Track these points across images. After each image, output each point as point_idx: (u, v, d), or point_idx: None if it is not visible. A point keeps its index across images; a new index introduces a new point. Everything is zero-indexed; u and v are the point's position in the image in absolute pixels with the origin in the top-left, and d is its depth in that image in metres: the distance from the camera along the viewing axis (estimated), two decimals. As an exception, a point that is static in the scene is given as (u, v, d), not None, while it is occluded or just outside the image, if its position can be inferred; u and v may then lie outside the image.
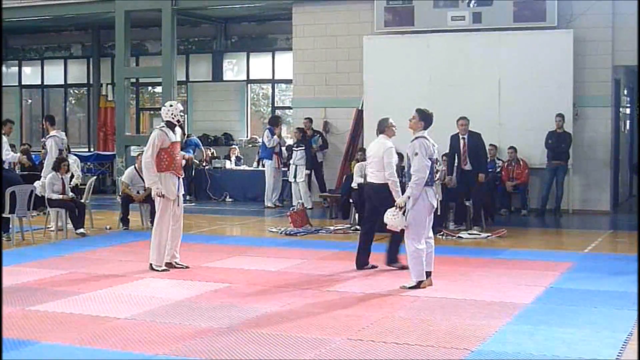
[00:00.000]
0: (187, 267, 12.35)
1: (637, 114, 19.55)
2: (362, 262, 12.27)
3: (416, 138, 10.81)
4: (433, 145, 10.85)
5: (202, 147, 24.50)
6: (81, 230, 16.05)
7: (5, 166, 16.35)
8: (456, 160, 16.86)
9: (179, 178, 12.37)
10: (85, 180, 19.33)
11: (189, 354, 7.76)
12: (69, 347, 8.05)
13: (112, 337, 8.37)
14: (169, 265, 12.31)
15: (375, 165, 11.93)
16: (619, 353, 7.71)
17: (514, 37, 19.86)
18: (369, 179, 12.25)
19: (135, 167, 17.51)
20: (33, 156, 23.00)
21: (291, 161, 20.88)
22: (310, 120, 21.26)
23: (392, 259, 12.18)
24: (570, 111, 19.27)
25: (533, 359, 7.54)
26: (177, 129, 12.48)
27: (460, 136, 16.80)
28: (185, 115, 27.46)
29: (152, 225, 16.77)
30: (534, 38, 19.72)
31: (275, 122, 21.75)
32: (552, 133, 19.02)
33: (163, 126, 12.31)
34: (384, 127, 12.13)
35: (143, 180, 17.16)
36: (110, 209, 20.57)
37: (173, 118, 12.37)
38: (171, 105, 12.49)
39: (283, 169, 21.64)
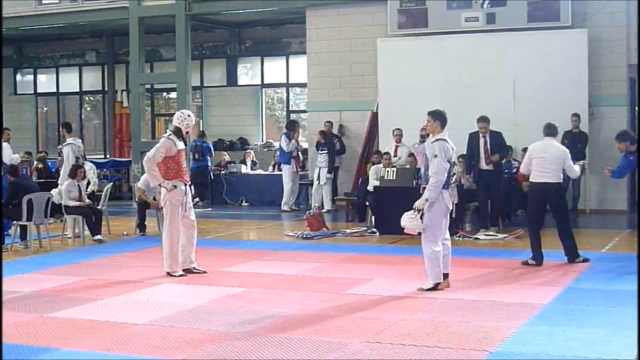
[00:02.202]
0: (204, 272, 12.36)
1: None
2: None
3: (436, 140, 10.78)
4: (452, 148, 10.84)
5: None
6: (98, 236, 16.09)
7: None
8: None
9: (186, 185, 12.39)
10: (101, 186, 19.39)
11: (207, 358, 7.76)
12: (88, 353, 8.07)
13: (131, 342, 8.39)
14: (187, 271, 12.32)
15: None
16: (639, 353, 7.67)
17: (528, 37, 19.82)
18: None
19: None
20: (49, 164, 23.07)
21: (316, 164, 20.93)
22: (330, 123, 21.28)
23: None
24: (585, 111, 19.22)
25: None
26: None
27: (481, 135, 16.72)
28: (201, 120, 27.53)
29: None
30: (548, 38, 19.67)
31: (292, 127, 21.78)
32: (567, 133, 18.95)
33: (170, 134, 12.32)
34: None
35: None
36: (126, 215, 20.61)
37: (185, 127, 12.42)
38: (189, 115, 12.50)
39: (301, 172, 21.69)
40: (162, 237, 12.44)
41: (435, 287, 10.76)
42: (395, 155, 18.74)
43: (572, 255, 12.87)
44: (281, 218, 20.36)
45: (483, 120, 16.66)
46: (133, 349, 8.16)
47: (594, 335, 8.35)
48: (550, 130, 13.16)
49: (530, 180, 13.12)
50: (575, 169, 13.17)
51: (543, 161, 12.81)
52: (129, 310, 10.00)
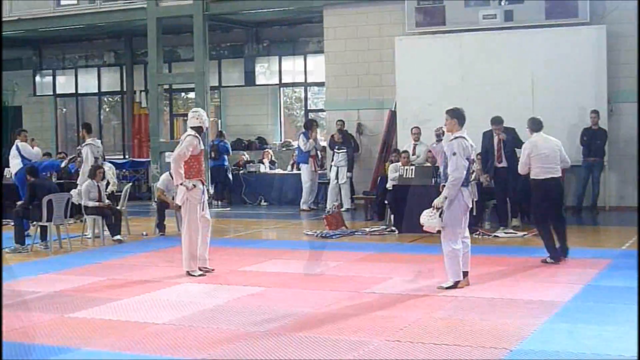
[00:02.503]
0: (212, 270, 12.39)
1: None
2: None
3: (455, 138, 10.77)
4: (471, 146, 10.83)
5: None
6: (118, 237, 16.14)
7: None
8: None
9: (203, 184, 12.43)
10: (120, 187, 19.43)
11: (228, 357, 7.78)
12: (109, 353, 8.11)
13: (151, 342, 8.41)
14: (201, 269, 12.36)
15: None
16: (660, 350, 7.64)
17: (547, 34, 19.75)
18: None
19: (170, 173, 17.57)
20: (69, 165, 23.13)
21: (332, 162, 20.94)
22: (342, 122, 21.26)
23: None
24: (604, 107, 19.15)
25: (573, 358, 7.50)
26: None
27: (495, 134, 16.69)
28: (219, 120, 27.57)
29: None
30: (566, 35, 19.60)
31: (309, 126, 21.80)
32: (587, 130, 18.90)
33: (195, 133, 12.36)
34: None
35: (178, 186, 17.29)
36: (146, 215, 20.67)
37: (202, 123, 12.45)
38: (200, 115, 12.52)
39: (320, 171, 21.70)
40: (182, 236, 12.46)
41: (454, 285, 10.75)
42: (413, 154, 18.72)
43: (564, 252, 12.76)
44: (300, 217, 20.37)
45: (496, 122, 16.58)
46: (152, 348, 8.19)
47: (613, 333, 8.32)
48: (538, 126, 13.10)
49: (534, 177, 12.99)
50: (567, 158, 13.07)
51: (546, 157, 12.81)
52: (148, 310, 10.03)
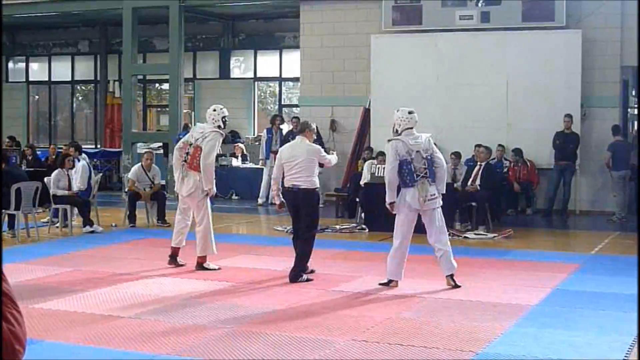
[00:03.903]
0: (184, 264, 12.35)
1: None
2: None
3: (388, 141, 10.88)
4: (415, 144, 10.72)
5: None
6: (88, 227, 16.01)
7: None
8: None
9: None
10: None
11: (192, 353, 7.73)
12: (73, 345, 8.05)
13: (115, 336, 8.34)
14: (176, 253, 12.39)
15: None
16: (626, 356, 7.67)
17: (522, 36, 19.79)
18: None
19: (142, 165, 17.49)
20: (39, 153, 23.01)
21: None
22: (298, 119, 20.85)
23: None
24: (578, 112, 19.20)
25: (539, 362, 7.51)
26: None
27: (478, 163, 16.90)
28: (193, 113, 27.46)
29: (159, 222, 16.88)
30: (542, 38, 19.65)
31: (273, 122, 21.84)
32: (559, 133, 18.95)
33: (222, 133, 12.33)
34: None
35: (149, 177, 17.21)
36: (116, 206, 20.54)
37: (224, 123, 12.40)
38: (214, 110, 12.43)
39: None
40: (201, 228, 12.25)
41: (387, 283, 10.90)
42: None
43: None
44: (270, 212, 20.30)
45: (480, 146, 17.13)
46: (118, 342, 8.12)
47: (581, 337, 8.33)
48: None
49: None
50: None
51: None
52: (114, 303, 9.95)
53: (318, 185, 11.45)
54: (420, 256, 11.39)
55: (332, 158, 11.93)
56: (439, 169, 10.85)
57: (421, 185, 10.66)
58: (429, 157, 10.72)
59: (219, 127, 12.26)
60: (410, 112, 10.88)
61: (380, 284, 10.92)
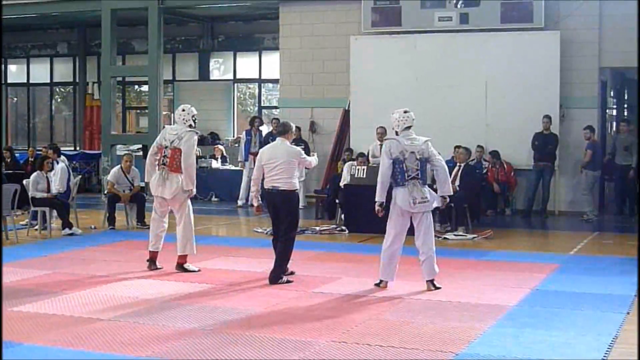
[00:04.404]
0: (161, 268, 12.33)
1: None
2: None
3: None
4: (410, 144, 10.75)
5: None
6: (67, 230, 15.95)
7: None
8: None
9: None
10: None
11: (172, 355, 7.71)
12: (51, 348, 7.99)
13: (94, 338, 8.30)
14: (154, 257, 12.36)
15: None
16: (604, 356, 7.69)
17: (501, 38, 19.85)
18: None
19: (121, 167, 17.42)
20: (17, 155, 22.91)
21: None
22: (278, 120, 20.77)
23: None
24: (556, 112, 19.27)
25: (518, 362, 7.52)
26: None
27: (458, 164, 16.95)
28: (172, 115, 27.39)
29: (138, 224, 16.83)
30: (521, 39, 19.71)
31: (252, 123, 21.81)
32: (538, 134, 19.02)
33: (197, 132, 12.32)
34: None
35: (128, 180, 17.15)
36: (95, 208, 20.48)
37: (194, 122, 12.37)
38: (183, 110, 12.42)
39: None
40: (182, 228, 12.27)
41: (378, 284, 10.96)
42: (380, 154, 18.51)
43: None
44: (250, 214, 20.27)
45: (460, 147, 17.32)
46: (96, 345, 8.08)
47: (560, 337, 8.35)
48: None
49: None
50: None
51: None
52: (93, 305, 9.91)
53: (298, 187, 11.46)
54: (401, 257, 11.36)
55: (313, 160, 11.98)
56: (439, 170, 10.90)
57: (412, 186, 10.67)
58: (423, 160, 10.75)
59: (190, 126, 12.26)
60: (405, 112, 10.96)
61: (375, 285, 10.96)
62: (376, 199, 10.78)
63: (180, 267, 12.15)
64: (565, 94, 19.49)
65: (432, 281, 10.86)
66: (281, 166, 11.19)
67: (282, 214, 11.31)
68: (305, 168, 11.87)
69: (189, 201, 12.38)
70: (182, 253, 12.19)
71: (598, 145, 19.02)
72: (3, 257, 13.23)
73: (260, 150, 12.07)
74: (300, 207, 19.27)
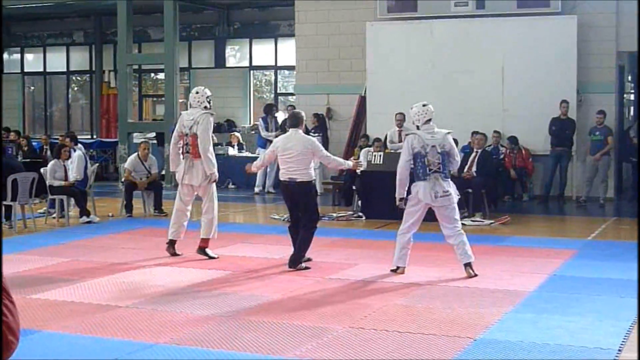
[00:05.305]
0: (180, 254, 12.38)
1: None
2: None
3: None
4: (431, 138, 10.75)
5: None
6: (85, 218, 16.01)
7: None
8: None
9: None
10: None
11: (190, 342, 7.73)
12: (70, 335, 8.03)
13: (113, 325, 8.34)
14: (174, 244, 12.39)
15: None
16: (622, 342, 7.66)
17: (518, 23, 19.76)
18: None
19: (138, 155, 17.45)
20: (34, 143, 22.97)
21: None
22: (293, 107, 20.78)
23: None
24: (574, 97, 19.19)
25: (536, 348, 7.50)
26: None
27: (475, 150, 16.90)
28: (188, 102, 27.39)
29: (155, 212, 16.86)
30: (537, 24, 19.62)
31: (268, 111, 21.75)
32: (555, 119, 18.95)
33: (212, 113, 12.31)
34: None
35: (145, 167, 17.18)
36: (112, 196, 20.54)
37: (209, 103, 12.37)
38: (197, 93, 12.45)
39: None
40: (207, 212, 12.31)
41: (394, 270, 10.94)
42: (400, 141, 18.37)
43: None
44: (267, 201, 20.30)
45: (477, 132, 17.21)
46: (114, 331, 8.12)
47: (577, 323, 8.33)
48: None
49: None
50: None
51: None
52: (111, 293, 9.95)
53: (314, 177, 11.42)
54: (418, 243, 11.35)
55: (333, 159, 11.82)
56: (452, 164, 11.01)
57: (433, 180, 10.66)
58: (444, 153, 10.73)
59: (205, 107, 12.27)
60: (424, 105, 10.91)
61: (391, 270, 10.97)
62: (397, 196, 10.80)
63: (202, 250, 12.19)
64: (583, 79, 19.40)
65: (469, 265, 10.77)
66: (297, 157, 11.15)
67: (301, 206, 11.30)
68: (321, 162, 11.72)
69: (213, 186, 12.40)
70: (205, 236, 12.23)
71: (609, 130, 18.90)
72: (22, 246, 13.33)
73: (275, 139, 12.05)
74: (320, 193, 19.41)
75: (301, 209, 11.33)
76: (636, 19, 18.23)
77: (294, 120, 11.55)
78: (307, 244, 11.38)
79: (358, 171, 16.96)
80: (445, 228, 10.83)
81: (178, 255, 12.32)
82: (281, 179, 11.40)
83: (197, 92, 12.44)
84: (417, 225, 10.91)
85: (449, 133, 10.93)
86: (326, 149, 20.42)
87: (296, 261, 11.24)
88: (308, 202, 11.32)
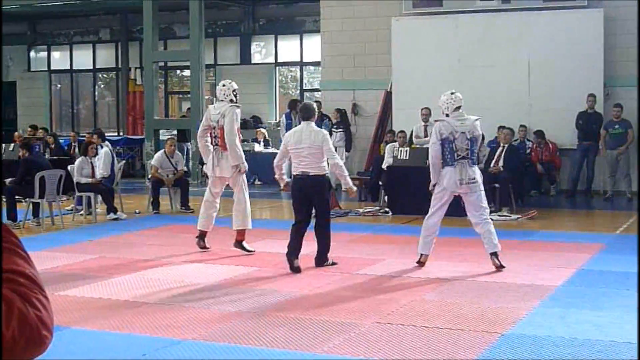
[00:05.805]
0: (209, 248, 12.45)
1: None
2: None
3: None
4: (460, 125, 10.74)
5: None
6: (112, 215, 16.08)
7: None
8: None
9: None
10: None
11: (217, 338, 7.75)
12: (98, 332, 8.07)
13: (140, 322, 8.37)
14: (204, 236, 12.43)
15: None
16: (652, 336, 7.62)
17: (544, 17, 19.67)
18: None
19: (165, 152, 17.51)
20: (62, 141, 23.08)
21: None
22: (320, 103, 20.72)
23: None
24: (600, 91, 19.09)
25: (564, 343, 7.47)
26: None
27: (501, 144, 16.87)
28: (214, 99, 27.47)
29: (182, 208, 16.91)
30: (563, 18, 19.52)
31: (292, 106, 21.73)
32: (582, 113, 18.84)
33: (238, 105, 12.34)
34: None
35: (172, 164, 17.23)
36: (139, 192, 20.61)
37: (235, 96, 12.41)
38: (224, 86, 12.50)
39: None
40: (238, 203, 12.39)
41: (418, 260, 11.07)
42: (426, 136, 18.33)
43: None
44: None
45: (503, 127, 17.35)
46: (143, 327, 8.15)
47: (606, 318, 8.30)
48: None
49: None
50: None
51: None
52: (139, 289, 9.99)
53: (327, 171, 11.37)
54: (444, 238, 11.33)
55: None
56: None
57: (461, 167, 10.65)
58: (473, 139, 10.73)
59: (231, 100, 12.30)
60: (452, 93, 10.99)
61: (416, 262, 11.02)
62: (431, 181, 10.84)
63: (239, 244, 12.22)
64: (610, 72, 19.30)
65: (495, 254, 10.73)
66: (309, 150, 11.06)
67: (315, 200, 11.19)
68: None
69: (244, 177, 12.48)
70: (237, 228, 12.26)
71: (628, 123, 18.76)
72: (50, 243, 13.41)
73: (286, 134, 12.01)
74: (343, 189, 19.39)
75: (315, 204, 11.22)
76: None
77: (306, 113, 11.39)
78: (328, 243, 11.30)
79: (384, 166, 17.01)
80: (472, 215, 10.81)
81: (207, 248, 12.37)
82: (294, 173, 11.31)
83: (223, 85, 12.50)
84: (443, 210, 10.91)
85: (478, 119, 10.94)
86: (349, 144, 20.56)
87: (322, 260, 11.23)
88: (322, 196, 11.21)
